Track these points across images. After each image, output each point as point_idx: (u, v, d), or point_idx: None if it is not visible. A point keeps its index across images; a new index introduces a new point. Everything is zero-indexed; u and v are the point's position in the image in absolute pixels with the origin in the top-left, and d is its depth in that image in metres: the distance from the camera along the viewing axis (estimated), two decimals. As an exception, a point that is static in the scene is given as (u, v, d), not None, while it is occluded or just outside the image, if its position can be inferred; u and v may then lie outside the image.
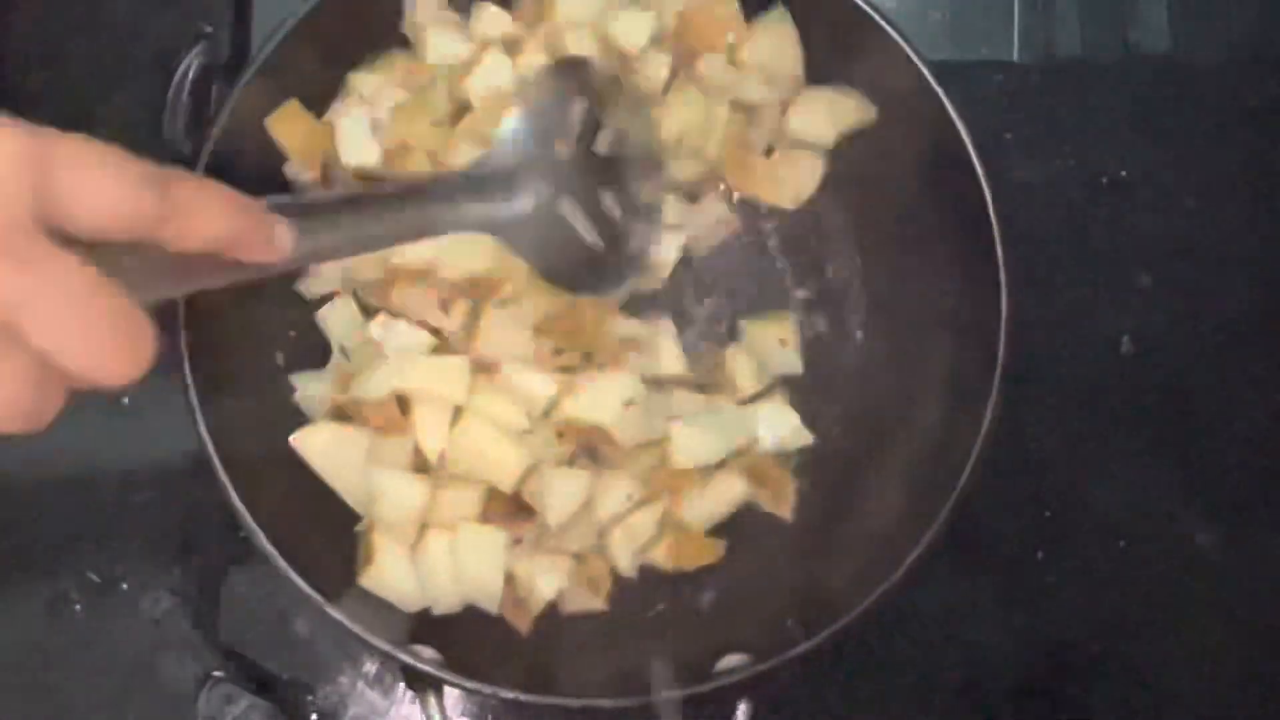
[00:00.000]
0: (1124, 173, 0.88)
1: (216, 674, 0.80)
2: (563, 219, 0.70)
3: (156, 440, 0.81)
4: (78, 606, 0.81)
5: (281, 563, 0.68)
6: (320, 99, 0.79)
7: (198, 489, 0.81)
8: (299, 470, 0.75)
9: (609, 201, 0.73)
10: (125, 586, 0.81)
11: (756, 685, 0.70)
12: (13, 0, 0.86)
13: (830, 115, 0.80)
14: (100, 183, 0.43)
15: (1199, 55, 0.89)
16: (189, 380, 0.69)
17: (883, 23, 0.74)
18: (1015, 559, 0.84)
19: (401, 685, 0.81)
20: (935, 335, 0.77)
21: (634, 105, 0.75)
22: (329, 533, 0.75)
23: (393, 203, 0.63)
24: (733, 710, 0.70)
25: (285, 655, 0.81)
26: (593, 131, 0.72)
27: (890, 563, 0.70)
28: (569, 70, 0.73)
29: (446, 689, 0.70)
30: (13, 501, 0.82)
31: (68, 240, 0.43)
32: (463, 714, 0.81)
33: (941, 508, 0.70)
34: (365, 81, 0.79)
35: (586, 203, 0.71)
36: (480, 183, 0.67)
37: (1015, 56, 0.88)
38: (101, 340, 0.43)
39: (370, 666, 0.81)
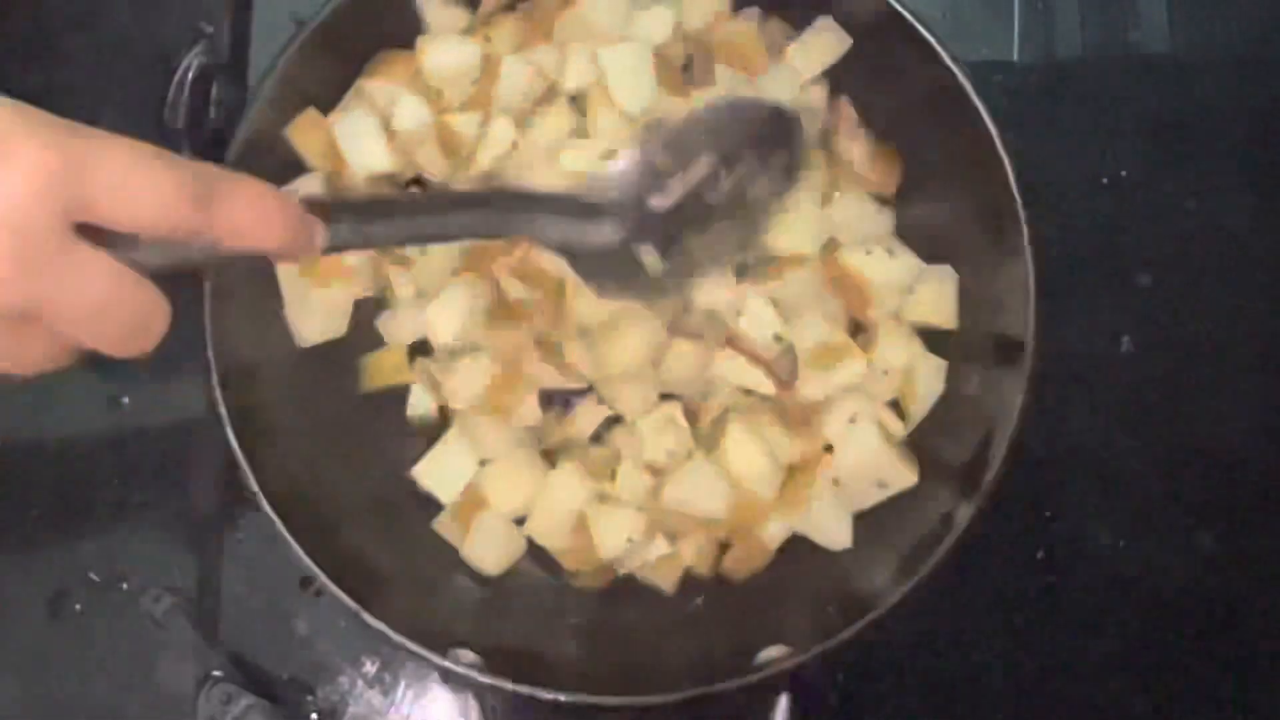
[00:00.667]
0: (1124, 173, 0.88)
1: (216, 674, 0.80)
2: (633, 256, 0.70)
3: (156, 440, 0.81)
4: (78, 606, 0.81)
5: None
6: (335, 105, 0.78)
7: (199, 488, 0.81)
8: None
9: (690, 245, 0.72)
10: (125, 586, 0.81)
11: (797, 678, 0.69)
12: (12, -1, 0.86)
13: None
14: (139, 191, 0.45)
15: (1199, 55, 0.89)
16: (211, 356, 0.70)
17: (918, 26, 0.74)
18: (1015, 559, 0.84)
19: (402, 685, 0.81)
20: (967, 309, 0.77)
21: (782, 168, 0.74)
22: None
23: (468, 200, 0.65)
24: (773, 704, 0.70)
25: (285, 655, 0.81)
26: (713, 183, 0.71)
27: (927, 549, 0.70)
28: (753, 116, 0.72)
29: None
30: (13, 501, 0.82)
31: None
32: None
33: (975, 491, 0.70)
34: (370, 85, 0.77)
35: (666, 246, 0.70)
36: (568, 206, 0.67)
37: (1015, 56, 0.88)
38: (118, 329, 0.45)
39: (370, 666, 0.81)
